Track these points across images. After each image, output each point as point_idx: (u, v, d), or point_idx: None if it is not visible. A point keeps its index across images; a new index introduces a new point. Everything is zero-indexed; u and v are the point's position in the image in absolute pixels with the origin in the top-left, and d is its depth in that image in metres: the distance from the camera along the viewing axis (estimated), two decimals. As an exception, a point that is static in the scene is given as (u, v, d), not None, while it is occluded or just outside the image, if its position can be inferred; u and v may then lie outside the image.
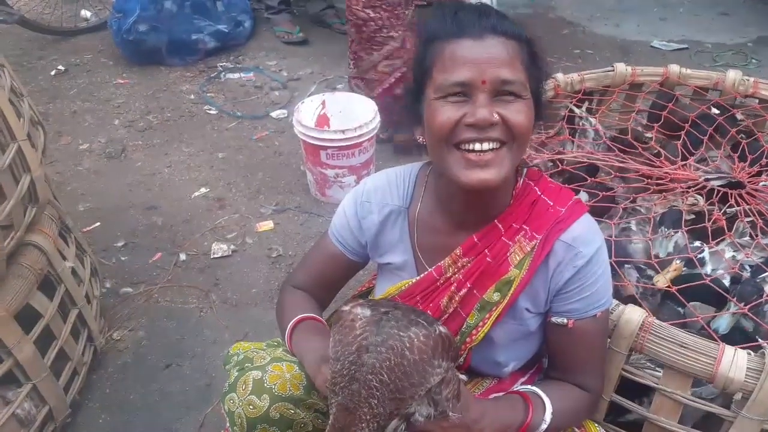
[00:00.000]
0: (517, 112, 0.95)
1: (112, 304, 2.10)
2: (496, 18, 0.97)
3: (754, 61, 3.69)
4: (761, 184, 1.61)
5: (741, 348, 1.13)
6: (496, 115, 0.93)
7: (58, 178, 2.72)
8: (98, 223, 2.46)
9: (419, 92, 1.02)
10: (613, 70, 1.96)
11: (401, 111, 1.09)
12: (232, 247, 2.34)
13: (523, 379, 1.20)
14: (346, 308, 0.95)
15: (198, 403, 1.78)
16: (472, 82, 0.93)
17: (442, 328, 0.92)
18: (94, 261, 2.01)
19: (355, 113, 2.56)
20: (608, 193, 1.58)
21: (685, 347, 1.14)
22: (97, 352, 1.88)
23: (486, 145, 0.94)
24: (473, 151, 0.94)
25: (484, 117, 0.92)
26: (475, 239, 1.07)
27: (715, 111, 1.87)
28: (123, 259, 2.30)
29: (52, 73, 3.57)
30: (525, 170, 1.11)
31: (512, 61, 0.95)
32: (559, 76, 1.92)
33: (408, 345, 0.87)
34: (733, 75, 1.91)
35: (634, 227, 1.51)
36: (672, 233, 1.45)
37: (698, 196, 1.55)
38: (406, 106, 1.07)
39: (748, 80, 1.91)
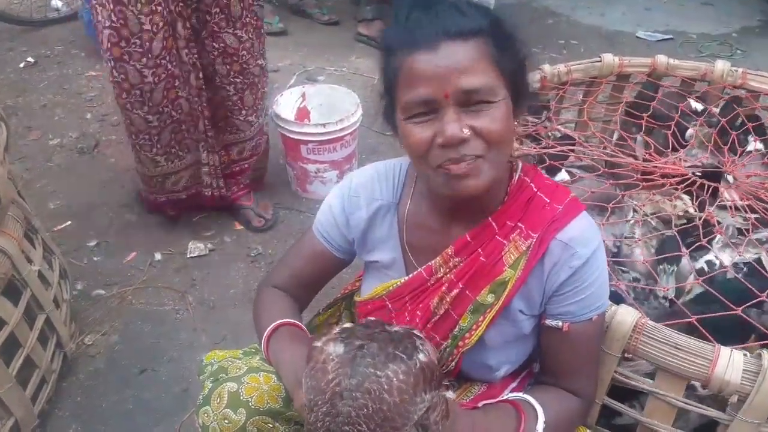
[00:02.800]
0: (491, 121, 0.88)
1: (84, 307, 2.02)
2: (449, 17, 0.88)
3: (738, 51, 3.69)
4: (744, 172, 1.57)
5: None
6: (466, 130, 0.87)
7: (27, 174, 2.62)
8: (69, 222, 2.37)
9: (391, 105, 0.97)
10: (600, 61, 1.92)
11: (381, 117, 1.03)
12: (210, 245, 2.26)
13: (513, 385, 1.15)
14: (318, 344, 0.88)
15: (174, 409, 1.71)
16: (435, 98, 0.87)
17: (423, 357, 0.85)
18: (63, 262, 1.92)
19: (336, 106, 2.50)
20: (598, 190, 1.54)
21: (679, 349, 1.09)
22: (67, 359, 1.80)
23: (463, 165, 0.89)
24: (451, 165, 0.89)
25: (452, 134, 0.86)
26: (468, 238, 1.02)
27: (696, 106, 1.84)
28: (95, 259, 2.22)
29: (21, 65, 3.46)
30: (520, 165, 1.05)
31: (475, 64, 0.87)
32: (546, 67, 1.87)
33: (386, 387, 0.79)
34: (721, 65, 1.88)
35: (633, 234, 1.46)
36: (674, 268, 1.41)
37: (686, 198, 1.51)
38: (384, 116, 1.02)
39: (736, 71, 1.88)
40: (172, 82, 1.89)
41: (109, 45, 1.78)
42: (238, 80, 2.06)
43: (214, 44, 1.96)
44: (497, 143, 0.90)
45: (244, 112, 2.14)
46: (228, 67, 2.01)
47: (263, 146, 2.34)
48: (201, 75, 1.96)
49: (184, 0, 1.85)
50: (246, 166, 2.29)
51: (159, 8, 1.77)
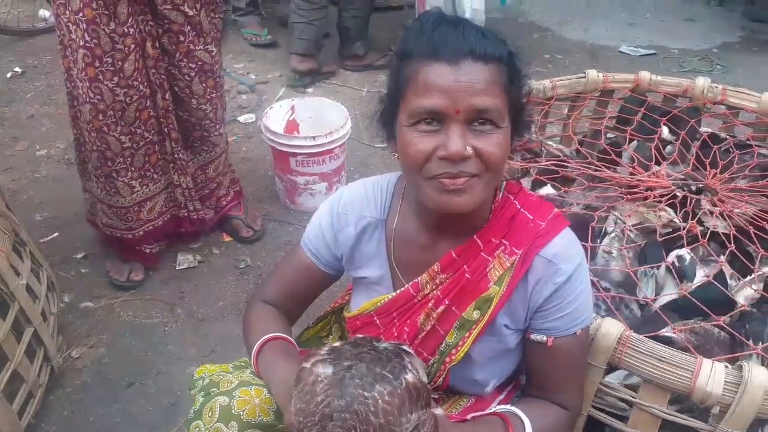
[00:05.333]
0: (493, 145, 0.90)
1: (71, 320, 2.01)
2: (475, 38, 0.90)
3: (719, 66, 3.76)
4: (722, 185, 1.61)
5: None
6: (469, 149, 0.89)
7: (14, 185, 2.61)
8: (57, 234, 2.36)
9: (393, 109, 0.97)
10: (585, 77, 1.95)
11: (377, 121, 1.04)
12: (198, 257, 2.26)
13: (500, 397, 1.17)
14: (307, 365, 0.89)
15: (163, 423, 1.70)
16: (445, 111, 0.88)
17: (410, 377, 0.86)
18: (51, 275, 1.92)
19: (325, 119, 2.52)
20: (582, 202, 1.57)
21: (663, 361, 1.12)
22: (54, 372, 1.79)
23: (460, 181, 0.90)
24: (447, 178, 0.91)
25: (456, 150, 0.88)
26: (454, 255, 1.04)
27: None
28: (83, 271, 2.21)
29: (8, 75, 3.45)
30: (504, 183, 1.07)
31: (490, 88, 0.89)
32: (531, 82, 1.90)
33: (372, 409, 0.81)
34: (702, 82, 1.92)
35: (611, 249, 1.49)
36: (654, 271, 1.43)
37: (670, 210, 1.54)
38: (381, 120, 1.02)
39: (716, 87, 1.92)
40: (144, 102, 1.87)
41: (83, 65, 1.74)
42: (213, 95, 2.05)
43: (191, 64, 1.94)
44: (494, 167, 0.92)
45: (217, 126, 2.14)
46: (204, 84, 2.00)
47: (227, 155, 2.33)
48: (168, 96, 1.94)
49: (155, 19, 1.83)
50: (222, 181, 2.29)
51: (131, 30, 1.75)
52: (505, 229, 1.03)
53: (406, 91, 0.92)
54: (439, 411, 0.94)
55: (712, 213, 1.53)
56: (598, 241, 1.50)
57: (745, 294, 1.38)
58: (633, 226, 1.53)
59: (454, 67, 0.88)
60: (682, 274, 1.39)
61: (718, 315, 1.27)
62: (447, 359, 1.06)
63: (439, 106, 0.88)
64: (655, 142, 1.76)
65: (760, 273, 1.40)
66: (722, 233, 1.47)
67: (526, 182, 1.70)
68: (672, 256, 1.43)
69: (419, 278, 1.06)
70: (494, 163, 0.91)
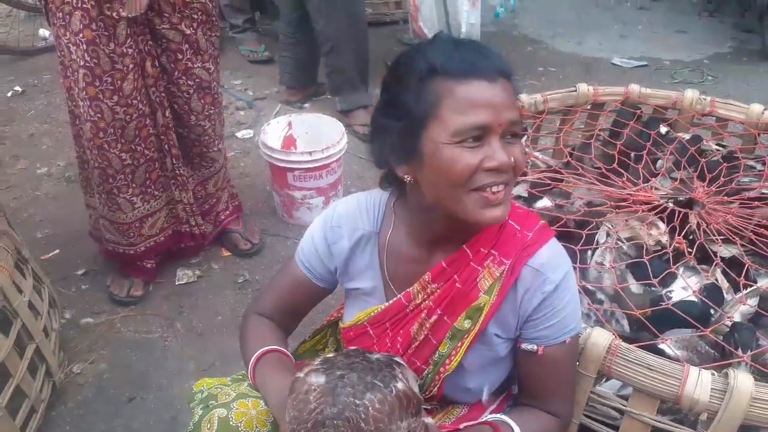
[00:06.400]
0: (520, 153, 0.96)
1: (72, 336, 2.03)
2: (498, 58, 0.97)
3: (710, 77, 3.81)
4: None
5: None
6: (512, 158, 0.94)
7: (15, 204, 2.64)
8: (57, 251, 2.39)
9: (415, 131, 0.95)
10: (576, 91, 1.99)
11: (380, 147, 1.03)
12: (198, 272, 2.29)
13: (492, 407, 1.19)
14: (300, 375, 0.92)
15: (163, 437, 1.72)
16: (491, 125, 0.92)
17: (400, 385, 0.89)
18: (52, 291, 1.94)
19: (322, 134, 2.55)
20: (571, 216, 1.59)
21: (651, 369, 1.14)
22: (56, 388, 1.81)
23: (501, 187, 0.95)
24: (491, 191, 0.94)
25: (504, 161, 0.93)
26: (444, 265, 1.07)
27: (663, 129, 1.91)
28: (83, 287, 2.23)
29: (9, 94, 3.49)
30: None
31: (515, 103, 0.96)
32: (523, 96, 1.94)
33: (363, 416, 0.84)
34: (690, 94, 1.96)
35: (603, 261, 1.51)
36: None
37: (661, 225, 1.57)
38: (386, 143, 1.01)
39: (705, 99, 1.95)
40: (143, 120, 1.90)
41: (84, 84, 1.78)
42: (212, 111, 2.08)
43: (189, 82, 1.98)
44: (519, 172, 0.98)
45: (216, 142, 2.17)
46: (203, 101, 2.03)
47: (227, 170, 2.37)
48: (168, 113, 1.97)
49: (154, 39, 1.87)
50: (221, 196, 2.32)
51: (129, 50, 1.79)
52: (494, 240, 1.06)
53: (441, 109, 0.93)
54: (429, 420, 0.97)
55: (699, 226, 1.56)
56: (589, 253, 1.53)
57: (740, 310, 1.40)
58: (625, 239, 1.56)
59: (492, 84, 0.93)
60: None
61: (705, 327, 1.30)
62: (441, 369, 1.09)
63: (486, 121, 0.92)
64: (644, 160, 1.79)
65: (754, 288, 1.42)
66: (710, 249, 1.49)
67: (521, 189, 1.73)
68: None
69: (411, 288, 1.09)
70: (520, 169, 0.97)
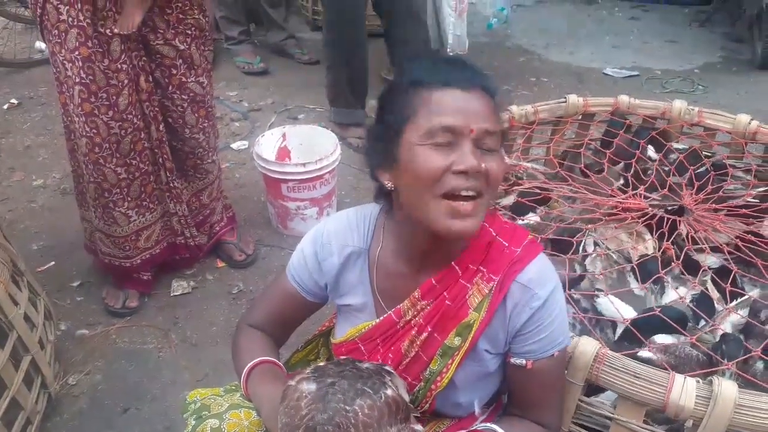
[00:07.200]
0: (496, 165, 0.98)
1: (67, 348, 2.03)
2: (480, 75, 1.01)
3: (700, 87, 3.84)
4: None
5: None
6: (483, 164, 0.96)
7: (11, 216, 2.65)
8: (53, 263, 2.40)
9: (395, 136, 0.99)
10: (566, 101, 2.02)
11: (367, 155, 1.07)
12: (192, 283, 2.30)
13: (482, 418, 1.20)
14: (292, 383, 0.94)
15: (157, 448, 1.73)
16: (461, 129, 0.95)
17: (389, 392, 0.91)
18: (48, 303, 1.95)
19: (316, 145, 2.57)
20: (563, 225, 1.62)
21: (638, 377, 1.16)
22: (51, 399, 1.81)
23: (470, 192, 0.96)
24: (459, 200, 0.95)
25: (473, 164, 0.94)
26: (433, 282, 1.08)
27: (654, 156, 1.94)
28: (79, 299, 2.24)
29: (5, 106, 3.50)
30: None
31: (494, 116, 0.99)
32: (514, 108, 1.96)
33: (353, 421, 0.86)
34: (678, 105, 1.98)
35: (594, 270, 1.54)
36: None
37: (648, 237, 1.59)
38: (374, 150, 1.05)
39: (693, 110, 1.98)
40: (138, 135, 1.92)
41: (80, 101, 1.80)
42: (206, 124, 2.10)
43: (183, 96, 2.00)
44: (494, 185, 0.99)
45: (210, 153, 2.19)
46: (197, 114, 2.05)
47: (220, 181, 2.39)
48: (162, 127, 2.00)
49: (148, 54, 1.90)
50: (216, 207, 2.33)
51: (124, 66, 1.81)
52: (482, 256, 1.07)
53: (417, 114, 0.97)
54: (419, 427, 0.98)
55: (687, 234, 1.58)
56: (577, 264, 1.55)
57: (731, 320, 1.42)
58: (614, 249, 1.59)
59: (467, 93, 0.97)
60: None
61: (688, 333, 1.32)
62: (433, 386, 1.10)
63: (456, 123, 0.95)
64: (633, 168, 1.82)
65: (745, 298, 1.44)
66: (697, 259, 1.52)
67: (508, 200, 1.75)
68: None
69: (401, 305, 1.10)
70: (495, 181, 0.98)
